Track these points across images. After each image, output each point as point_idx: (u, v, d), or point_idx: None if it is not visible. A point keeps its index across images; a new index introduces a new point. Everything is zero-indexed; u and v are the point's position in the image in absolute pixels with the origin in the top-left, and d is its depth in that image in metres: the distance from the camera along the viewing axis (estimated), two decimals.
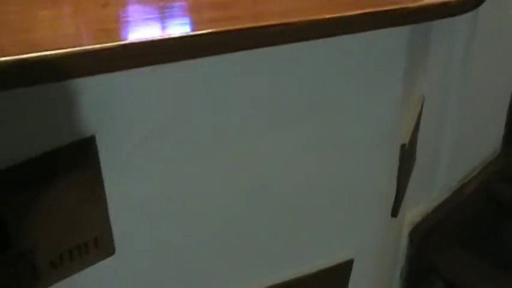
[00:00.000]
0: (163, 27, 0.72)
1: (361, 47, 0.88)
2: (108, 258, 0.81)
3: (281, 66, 0.84)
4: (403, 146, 1.09)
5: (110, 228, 0.79)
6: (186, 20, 0.76)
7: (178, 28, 0.72)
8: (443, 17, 0.90)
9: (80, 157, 0.74)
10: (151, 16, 0.74)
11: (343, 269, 1.06)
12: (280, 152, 0.89)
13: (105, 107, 0.74)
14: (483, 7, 0.94)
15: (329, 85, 0.89)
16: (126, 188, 0.79)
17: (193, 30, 0.70)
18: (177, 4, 0.78)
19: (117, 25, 0.72)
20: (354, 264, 1.08)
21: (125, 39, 0.67)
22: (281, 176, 0.91)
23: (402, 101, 1.02)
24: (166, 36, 0.68)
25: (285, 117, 0.87)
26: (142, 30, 0.71)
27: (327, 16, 0.76)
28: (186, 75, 0.77)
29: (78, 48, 0.64)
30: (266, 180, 0.90)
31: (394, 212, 1.16)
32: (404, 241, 1.47)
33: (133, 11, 0.75)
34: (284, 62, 0.83)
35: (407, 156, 1.13)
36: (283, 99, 0.86)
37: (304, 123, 0.90)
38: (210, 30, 0.70)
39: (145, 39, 0.67)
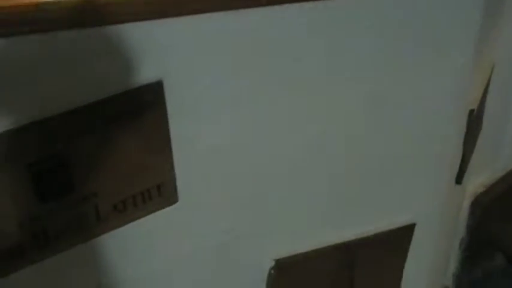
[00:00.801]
0: None
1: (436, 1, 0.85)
2: (170, 207, 0.80)
3: (353, 18, 0.81)
4: (471, 111, 1.06)
5: (174, 176, 0.79)
6: None
7: None
8: None
9: (147, 102, 0.74)
10: None
11: (405, 233, 1.04)
12: (347, 108, 0.87)
13: (174, 51, 0.73)
14: None
15: (399, 41, 0.86)
16: (192, 136, 0.78)
17: None
18: None
19: None
20: (416, 229, 1.05)
21: None
22: (348, 133, 0.89)
23: (474, 63, 0.98)
24: None
25: (354, 71, 0.85)
26: None
27: None
28: (258, 22, 0.75)
29: None
30: (332, 137, 0.88)
31: (459, 179, 1.13)
32: (465, 211, 1.43)
33: None
34: (356, 13, 0.81)
35: (474, 122, 1.10)
36: (353, 52, 0.83)
37: (373, 80, 0.87)
38: None
39: None
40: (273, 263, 0.92)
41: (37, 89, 0.66)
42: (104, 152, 0.73)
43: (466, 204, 1.44)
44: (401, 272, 1.08)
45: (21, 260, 0.72)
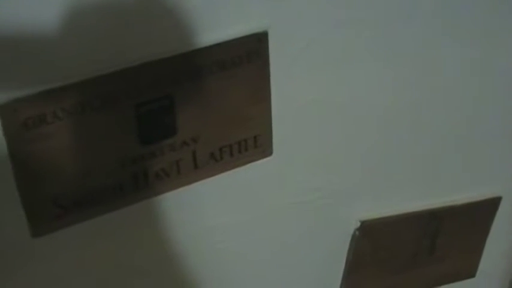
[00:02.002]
0: None
1: None
2: (264, 159, 0.80)
3: None
4: None
5: (271, 128, 0.79)
6: None
7: None
8: None
9: (251, 52, 0.74)
10: None
11: (490, 206, 1.03)
12: (449, 73, 0.86)
13: (282, 2, 0.73)
14: None
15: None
16: (291, 90, 0.78)
17: None
18: None
19: None
20: (501, 203, 1.03)
21: None
22: (447, 97, 0.88)
23: None
24: None
25: (461, 34, 0.83)
26: None
27: None
28: None
29: None
30: (427, 100, 0.87)
31: None
32: None
33: None
34: None
35: None
36: (462, 14, 0.82)
37: (478, 44, 0.85)
38: None
39: None
40: (358, 224, 0.92)
41: (150, 31, 0.67)
42: (207, 99, 0.73)
43: None
44: (482, 247, 1.07)
45: (121, 200, 0.73)
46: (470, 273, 1.08)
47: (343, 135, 0.85)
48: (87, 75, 0.66)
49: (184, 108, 0.72)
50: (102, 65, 0.67)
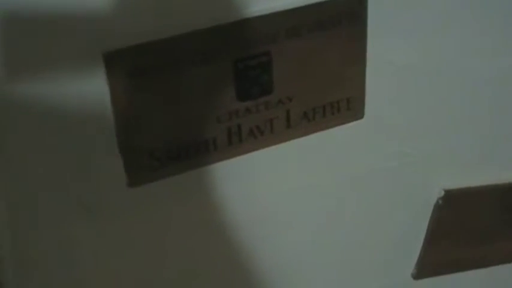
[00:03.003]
0: None
1: None
2: (355, 122, 0.80)
3: None
4: None
5: (364, 91, 0.78)
6: None
7: None
8: None
9: (350, 13, 0.73)
10: None
11: None
12: None
13: None
14: None
15: None
16: (387, 53, 0.77)
17: None
18: None
19: None
20: None
21: None
22: None
23: None
24: None
25: None
26: None
27: None
28: None
29: None
30: None
31: None
32: None
33: None
34: None
35: None
36: None
37: None
38: None
39: None
40: (442, 193, 0.91)
41: None
42: (304, 58, 0.73)
43: None
44: None
45: (214, 155, 0.74)
46: None
47: (435, 102, 0.84)
48: (191, 28, 0.67)
49: (281, 67, 0.72)
50: (205, 20, 0.67)
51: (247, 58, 0.70)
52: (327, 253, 0.91)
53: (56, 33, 0.62)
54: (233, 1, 0.68)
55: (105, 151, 0.69)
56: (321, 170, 0.83)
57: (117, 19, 0.64)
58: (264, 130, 0.75)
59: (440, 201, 0.92)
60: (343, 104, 0.78)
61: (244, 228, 0.81)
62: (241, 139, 0.75)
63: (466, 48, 0.81)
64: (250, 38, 0.70)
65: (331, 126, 0.79)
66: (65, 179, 0.69)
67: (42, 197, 0.69)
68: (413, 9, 0.76)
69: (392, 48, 0.78)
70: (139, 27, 0.65)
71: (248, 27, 0.69)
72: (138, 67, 0.66)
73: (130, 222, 0.74)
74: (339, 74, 0.76)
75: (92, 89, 0.66)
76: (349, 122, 0.80)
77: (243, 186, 0.79)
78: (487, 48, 0.83)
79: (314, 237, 0.88)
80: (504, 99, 0.88)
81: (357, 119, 0.80)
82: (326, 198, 0.85)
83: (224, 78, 0.70)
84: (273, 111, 0.75)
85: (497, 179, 0.95)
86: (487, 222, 0.99)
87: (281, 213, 0.83)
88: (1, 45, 0.60)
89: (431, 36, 0.79)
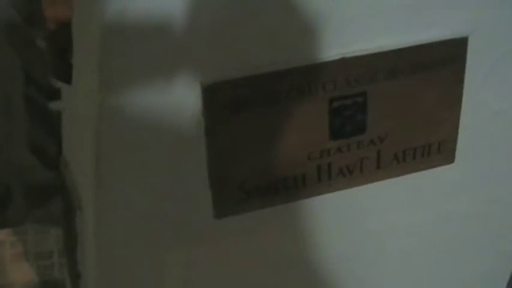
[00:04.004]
0: None
1: None
2: (445, 166, 0.79)
3: None
4: None
5: (457, 135, 0.77)
6: None
7: None
8: None
9: (449, 57, 0.73)
10: None
11: None
12: None
13: (483, 6, 0.71)
14: None
15: None
16: (483, 98, 0.76)
17: None
18: None
19: None
20: None
21: None
22: None
23: None
24: None
25: None
26: None
27: None
28: None
29: None
30: None
31: None
32: None
33: None
34: None
35: None
36: None
37: None
38: None
39: None
40: None
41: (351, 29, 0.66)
42: (399, 100, 0.73)
43: None
44: None
45: (302, 191, 0.74)
46: None
47: None
48: (289, 64, 0.67)
49: (376, 107, 0.72)
50: (303, 57, 0.67)
51: (343, 97, 0.70)
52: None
53: (157, 59, 0.63)
54: (333, 40, 0.68)
55: (196, 181, 0.70)
56: (409, 211, 0.81)
57: (217, 52, 0.64)
58: (354, 169, 0.75)
59: None
60: (435, 147, 0.77)
61: (330, 263, 0.81)
62: (330, 177, 0.74)
63: None
64: (347, 78, 0.69)
65: (421, 169, 0.78)
66: (159, 205, 0.70)
67: (137, 221, 0.70)
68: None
69: (489, 93, 0.76)
70: (238, 61, 0.65)
71: (346, 66, 0.69)
72: (235, 100, 0.67)
73: (215, 250, 0.74)
74: (433, 117, 0.75)
75: (188, 119, 0.66)
76: (439, 165, 0.79)
77: (330, 223, 0.78)
78: None
79: (397, 277, 0.87)
80: None
81: (447, 163, 0.79)
82: (411, 239, 0.83)
83: (318, 116, 0.70)
84: (364, 151, 0.74)
85: None
86: None
87: (368, 251, 0.82)
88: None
89: None
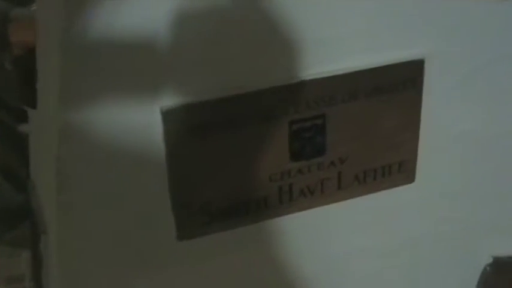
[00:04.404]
0: None
1: None
2: (405, 185, 0.80)
3: None
4: None
5: (416, 155, 0.78)
6: None
7: None
8: None
9: (408, 79, 0.74)
10: None
11: None
12: None
13: (440, 29, 0.72)
14: None
15: None
16: (442, 119, 0.77)
17: None
18: None
19: None
20: None
21: None
22: None
23: None
24: None
25: None
26: None
27: None
28: None
29: None
30: None
31: None
32: None
33: None
34: None
35: None
36: None
37: None
38: None
39: None
40: (490, 260, 0.90)
41: (310, 53, 0.68)
42: (359, 122, 0.74)
43: None
44: None
45: (264, 213, 0.75)
46: None
47: (488, 169, 0.83)
48: (249, 88, 0.68)
49: (335, 129, 0.73)
50: (262, 80, 0.68)
51: (302, 120, 0.71)
52: None
53: (116, 82, 0.63)
54: (291, 63, 0.69)
55: (158, 204, 0.70)
56: (372, 232, 0.82)
57: (176, 76, 0.65)
58: (315, 190, 0.76)
59: (488, 268, 0.90)
60: (395, 167, 0.78)
61: (294, 286, 0.81)
62: (291, 198, 0.75)
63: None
64: (306, 100, 0.70)
65: (382, 189, 0.79)
66: (122, 230, 0.70)
67: (101, 246, 0.70)
68: (475, 78, 0.76)
69: (448, 115, 0.78)
70: (198, 85, 0.66)
71: (305, 89, 0.70)
72: (195, 124, 0.68)
73: (180, 273, 0.75)
74: (393, 138, 0.76)
75: (149, 143, 0.67)
76: (399, 185, 0.80)
77: (294, 245, 0.79)
78: None
79: None
80: None
81: (408, 182, 0.80)
82: (376, 260, 0.84)
83: (279, 138, 0.71)
84: (324, 172, 0.75)
85: None
86: None
87: (333, 273, 0.83)
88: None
89: (490, 106, 0.79)
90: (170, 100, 0.66)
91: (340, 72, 0.71)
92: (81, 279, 0.72)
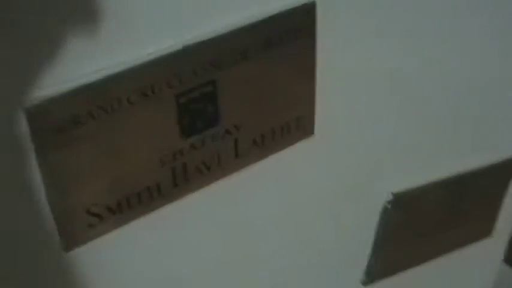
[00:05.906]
0: None
1: None
2: (305, 140, 0.73)
3: None
4: None
5: (314, 108, 0.71)
6: None
7: None
8: None
9: (298, 26, 0.65)
10: None
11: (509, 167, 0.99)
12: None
13: None
14: None
15: None
16: (338, 65, 0.70)
17: None
18: None
19: None
20: None
21: None
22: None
23: None
24: None
25: None
26: None
27: None
28: None
29: None
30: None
31: None
32: None
33: None
34: None
35: None
36: None
37: None
38: None
39: None
40: (390, 197, 0.86)
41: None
42: (252, 82, 0.65)
43: None
44: (500, 207, 1.04)
45: (158, 201, 0.65)
46: (488, 233, 1.05)
47: (379, 107, 0.78)
48: (122, 66, 0.57)
49: (228, 94, 0.64)
50: (137, 54, 0.57)
51: (189, 90, 0.61)
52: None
53: None
54: (169, 28, 0.58)
55: (37, 216, 0.59)
56: (275, 198, 0.76)
57: (36, 69, 0.53)
58: (211, 165, 0.67)
59: (388, 205, 0.87)
60: (293, 123, 0.71)
61: (202, 270, 0.74)
62: (187, 178, 0.66)
63: (399, 50, 0.75)
64: (191, 68, 0.60)
65: (282, 149, 0.72)
66: (6, 248, 0.58)
67: None
68: (369, 19, 0.69)
69: (342, 60, 0.71)
70: (62, 74, 0.54)
71: (188, 55, 0.59)
72: (66, 118, 0.56)
73: (73, 284, 0.65)
74: (289, 94, 0.69)
75: (16, 149, 0.55)
76: (299, 141, 0.73)
77: (197, 226, 0.71)
78: (426, 48, 0.77)
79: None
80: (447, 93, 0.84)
81: (307, 136, 0.73)
82: (285, 218, 0.78)
83: (166, 116, 0.61)
84: (220, 143, 0.66)
85: (443, 173, 0.92)
86: (436, 217, 0.96)
87: (234, 252, 0.76)
88: None
89: (386, 46, 0.73)
90: (32, 97, 0.53)
91: (224, 31, 0.61)
92: None
